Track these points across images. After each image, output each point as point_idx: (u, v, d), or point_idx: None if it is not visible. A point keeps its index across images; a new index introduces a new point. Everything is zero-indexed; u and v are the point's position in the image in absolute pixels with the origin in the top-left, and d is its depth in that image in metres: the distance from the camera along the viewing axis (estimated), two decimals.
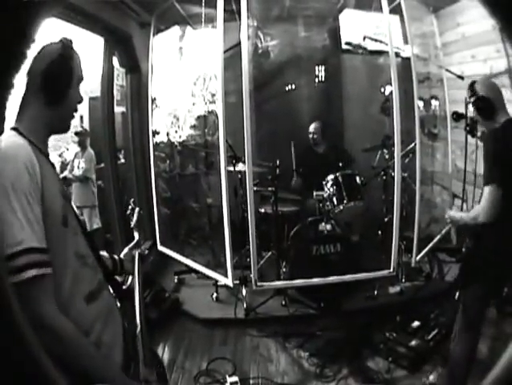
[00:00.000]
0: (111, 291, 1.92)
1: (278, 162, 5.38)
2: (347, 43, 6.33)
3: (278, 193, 5.28)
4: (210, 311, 5.15)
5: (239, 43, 4.78)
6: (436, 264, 5.76)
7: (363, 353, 4.31)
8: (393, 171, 5.09)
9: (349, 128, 6.85)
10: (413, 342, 4.15)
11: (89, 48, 5.88)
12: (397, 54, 5.30)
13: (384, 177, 5.51)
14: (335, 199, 5.21)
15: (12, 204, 1.42)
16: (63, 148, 7.82)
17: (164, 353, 4.55)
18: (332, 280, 4.84)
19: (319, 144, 6.13)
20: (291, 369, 4.20)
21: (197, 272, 5.61)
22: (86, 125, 7.58)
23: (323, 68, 6.84)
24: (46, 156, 1.70)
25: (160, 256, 6.06)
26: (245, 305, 5.03)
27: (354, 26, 6.39)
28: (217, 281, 5.24)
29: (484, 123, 3.29)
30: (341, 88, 7.00)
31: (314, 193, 5.36)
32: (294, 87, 6.69)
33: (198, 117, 5.79)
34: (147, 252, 5.70)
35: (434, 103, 6.22)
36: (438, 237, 5.86)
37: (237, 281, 5.06)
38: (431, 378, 3.77)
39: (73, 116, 1.79)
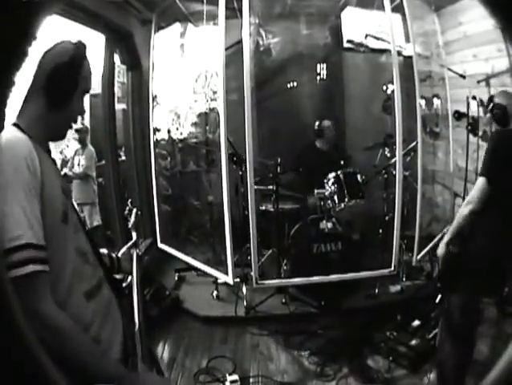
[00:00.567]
0: (111, 288, 1.89)
1: (279, 160, 5.37)
2: (349, 41, 6.31)
3: (279, 191, 5.27)
4: (210, 309, 5.14)
5: (241, 41, 4.77)
6: (437, 263, 5.74)
7: (364, 352, 4.29)
8: (395, 169, 5.08)
9: (350, 126, 6.84)
10: (414, 342, 4.13)
11: (90, 45, 5.89)
12: (399, 53, 5.29)
13: (386, 176, 5.50)
14: (336, 197, 5.18)
15: (11, 199, 1.40)
16: (64, 145, 7.79)
17: (164, 351, 4.54)
18: (333, 278, 4.84)
19: (328, 142, 6.10)
20: (291, 368, 4.19)
21: (197, 269, 5.60)
22: (86, 122, 7.57)
23: (324, 66, 6.82)
24: (47, 151, 1.68)
25: (161, 253, 6.05)
26: (245, 304, 5.02)
27: (356, 24, 6.37)
28: (217, 278, 5.24)
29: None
30: (343, 86, 7.00)
31: (316, 191, 5.35)
32: (295, 84, 6.68)
33: (199, 114, 5.79)
34: (140, 253, 5.68)
35: (436, 101, 6.21)
36: (439, 236, 5.85)
37: (238, 279, 5.05)
38: (431, 377, 3.76)
39: (70, 126, 1.76)
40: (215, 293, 5.32)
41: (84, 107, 1.75)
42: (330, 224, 5.13)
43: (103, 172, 6.55)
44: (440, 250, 3.31)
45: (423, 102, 5.54)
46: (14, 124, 1.59)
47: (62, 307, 1.49)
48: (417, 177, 5.10)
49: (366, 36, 6.02)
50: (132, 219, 2.63)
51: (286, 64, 6.63)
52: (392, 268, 4.98)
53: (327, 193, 5.27)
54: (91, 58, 1.73)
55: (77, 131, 6.87)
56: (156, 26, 6.00)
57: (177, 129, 5.97)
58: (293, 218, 5.53)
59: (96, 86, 6.13)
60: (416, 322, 4.40)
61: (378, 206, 5.74)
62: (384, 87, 5.54)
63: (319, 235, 5.12)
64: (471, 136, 5.46)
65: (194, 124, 5.89)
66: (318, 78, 6.87)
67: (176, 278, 5.82)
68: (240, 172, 5.28)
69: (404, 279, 5.42)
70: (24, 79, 1.63)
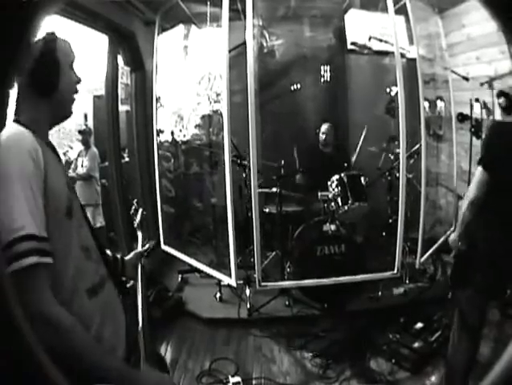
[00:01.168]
0: (115, 286, 1.89)
1: (282, 162, 5.38)
2: (353, 43, 6.31)
3: (282, 193, 5.29)
4: (213, 311, 5.14)
5: (244, 43, 4.78)
6: (441, 265, 5.74)
7: (366, 354, 4.28)
8: (398, 172, 5.08)
9: (354, 129, 6.81)
10: (416, 344, 4.13)
11: (93, 46, 5.90)
12: (402, 55, 5.29)
13: (389, 178, 5.50)
14: (339, 199, 5.18)
15: (16, 191, 1.40)
16: (67, 147, 7.81)
17: (167, 352, 4.54)
18: (336, 281, 4.83)
19: (328, 145, 6.10)
20: (294, 370, 4.19)
21: (200, 271, 5.60)
22: (90, 123, 7.58)
23: (328, 68, 6.81)
24: (50, 145, 1.69)
25: (164, 255, 6.06)
26: (248, 306, 5.01)
27: (359, 27, 6.36)
28: (220, 280, 5.23)
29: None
30: (346, 88, 6.98)
31: (319, 194, 5.34)
32: (299, 86, 6.66)
33: (203, 116, 5.80)
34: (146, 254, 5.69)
35: (439, 104, 6.21)
36: (443, 238, 5.85)
37: (241, 281, 5.05)
38: (433, 379, 3.76)
39: (73, 99, 1.78)
40: (218, 295, 5.31)
41: (78, 75, 1.78)
42: (333, 227, 5.11)
43: (106, 174, 6.54)
44: (452, 241, 3.31)
45: (426, 104, 5.54)
46: (15, 121, 1.60)
47: (67, 304, 1.48)
48: (421, 180, 5.09)
49: (369, 38, 6.01)
50: (138, 218, 2.64)
51: (290, 66, 6.63)
52: (396, 270, 4.98)
53: (330, 196, 5.27)
54: (65, 39, 1.75)
55: (80, 132, 6.87)
56: (159, 28, 6.01)
57: (181, 131, 5.98)
58: (296, 220, 5.53)
59: (100, 87, 6.15)
60: (419, 325, 4.40)
61: (381, 208, 5.75)
62: (388, 90, 5.52)
63: (323, 237, 5.09)
64: (474, 139, 5.46)
65: (198, 126, 5.90)
66: (321, 80, 6.85)
67: (180, 280, 5.82)
68: (243, 174, 5.30)
69: (407, 281, 5.40)
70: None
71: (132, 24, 5.83)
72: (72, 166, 6.95)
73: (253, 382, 4.02)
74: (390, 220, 5.52)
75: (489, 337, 3.92)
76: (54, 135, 1.78)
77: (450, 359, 3.41)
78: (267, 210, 5.65)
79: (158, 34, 6.01)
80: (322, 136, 6.05)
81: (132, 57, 6.15)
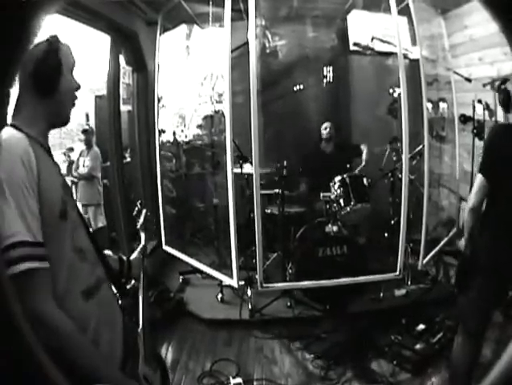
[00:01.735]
0: (114, 289, 1.90)
1: (285, 163, 5.36)
2: (355, 44, 6.28)
3: (284, 194, 5.28)
4: (215, 312, 5.12)
5: (247, 43, 4.76)
6: (443, 267, 5.72)
7: (368, 356, 4.27)
8: (401, 173, 5.07)
9: (356, 129, 6.82)
10: (418, 346, 4.12)
11: (95, 46, 5.90)
12: (405, 56, 5.27)
13: (392, 179, 5.49)
14: (342, 200, 5.17)
15: (6, 197, 1.41)
16: (69, 146, 7.81)
17: (168, 353, 4.52)
18: (338, 282, 4.82)
19: (330, 146, 6.09)
20: (295, 371, 4.16)
21: (202, 272, 5.59)
22: (91, 123, 7.59)
23: (331, 69, 6.79)
24: (46, 149, 1.69)
25: (165, 256, 6.06)
26: (250, 307, 4.99)
27: (362, 27, 6.35)
28: (222, 281, 5.21)
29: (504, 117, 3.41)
30: (349, 89, 6.99)
31: (321, 194, 5.34)
32: (301, 87, 6.65)
33: (205, 117, 5.81)
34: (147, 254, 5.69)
35: (442, 105, 6.20)
36: (445, 239, 5.85)
37: (243, 282, 5.03)
38: (434, 381, 3.75)
39: (73, 105, 1.78)
40: (220, 296, 5.29)
41: (77, 82, 1.77)
42: (335, 228, 5.11)
43: (108, 174, 6.54)
44: (461, 246, 3.33)
45: (430, 105, 5.52)
46: (11, 125, 1.60)
47: (60, 306, 1.49)
48: (423, 181, 5.08)
49: (372, 39, 6.00)
50: (141, 220, 2.63)
51: (293, 67, 6.62)
52: (398, 272, 4.97)
53: (332, 197, 5.26)
54: (67, 44, 1.75)
55: (83, 132, 6.88)
56: (161, 28, 6.00)
57: (182, 131, 5.98)
58: (298, 221, 5.51)
59: (101, 87, 6.15)
60: (421, 326, 4.38)
61: (384, 209, 5.74)
62: (391, 90, 5.51)
63: (325, 238, 5.10)
64: (477, 140, 5.44)
65: (199, 127, 5.91)
66: (324, 81, 6.83)
67: (181, 281, 5.81)
68: (245, 175, 5.28)
69: (409, 283, 5.38)
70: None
71: (134, 24, 5.82)
72: (74, 166, 6.96)
73: (255, 383, 4.00)
74: (392, 222, 5.50)
75: (491, 338, 3.90)
76: (55, 135, 1.77)
77: (453, 362, 3.40)
78: (269, 211, 5.64)
79: (160, 34, 6.00)
80: (324, 137, 6.05)
81: (134, 57, 6.14)
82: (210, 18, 5.31)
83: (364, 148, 5.88)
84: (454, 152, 6.18)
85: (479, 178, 3.09)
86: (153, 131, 6.10)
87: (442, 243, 5.77)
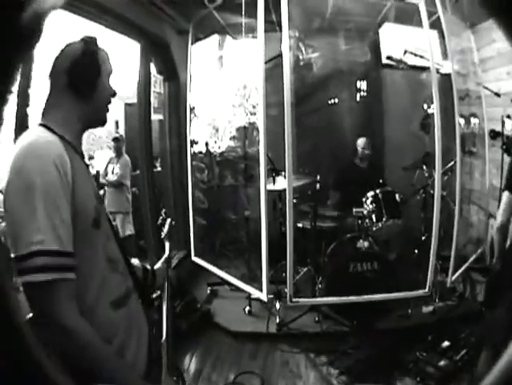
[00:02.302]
0: (140, 298, 1.85)
1: (318, 177, 5.33)
2: (388, 57, 6.24)
3: (317, 209, 5.24)
4: (242, 324, 5.08)
5: (280, 55, 4.74)
6: (469, 284, 5.66)
7: (392, 372, 4.21)
8: (432, 189, 5.02)
9: (389, 145, 6.78)
10: (442, 362, 4.06)
11: (125, 53, 5.91)
12: (437, 70, 5.22)
13: (424, 195, 5.44)
14: (374, 216, 5.14)
15: (35, 203, 1.37)
16: (92, 152, 7.86)
17: (191, 363, 4.49)
18: (367, 298, 4.77)
19: (364, 160, 6.05)
20: None
21: (230, 284, 5.56)
22: (121, 131, 7.62)
23: (364, 83, 6.78)
24: (80, 153, 1.65)
25: (194, 266, 6.03)
26: (277, 320, 4.94)
27: (394, 40, 6.31)
28: (250, 294, 5.18)
29: None
30: (382, 104, 6.94)
31: (354, 210, 5.29)
32: (336, 101, 6.62)
33: (238, 128, 5.78)
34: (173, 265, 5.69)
35: (473, 120, 6.13)
36: (474, 256, 5.78)
37: (271, 296, 4.98)
38: None
39: (107, 109, 1.75)
40: (247, 308, 5.26)
41: (114, 88, 1.75)
42: (367, 244, 5.06)
43: (137, 182, 6.54)
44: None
45: (462, 121, 5.47)
46: (42, 125, 1.56)
47: (88, 316, 1.45)
48: (454, 197, 5.03)
49: (405, 52, 5.96)
50: (166, 229, 2.58)
51: (327, 80, 6.57)
52: (427, 289, 4.92)
53: (365, 212, 5.22)
54: (103, 47, 1.72)
55: (114, 139, 6.90)
56: (193, 37, 5.99)
57: (215, 142, 5.97)
58: (330, 236, 5.46)
59: (132, 95, 6.15)
60: (446, 343, 4.32)
61: (414, 225, 5.68)
62: (425, 106, 5.46)
63: (356, 254, 5.06)
64: (506, 156, 5.39)
65: (233, 138, 5.89)
66: (358, 95, 6.82)
67: (209, 292, 5.78)
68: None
69: (436, 300, 5.32)
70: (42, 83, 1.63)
71: (164, 32, 5.83)
72: (102, 172, 6.97)
73: None
74: (423, 238, 5.44)
75: None
76: (83, 140, 1.73)
77: (479, 378, 3.35)
78: (301, 225, 5.57)
79: (192, 44, 5.99)
80: (358, 151, 6.00)
81: (165, 65, 6.15)
82: (243, 29, 5.28)
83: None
84: (484, 168, 6.11)
85: (505, 195, 3.09)
86: (185, 141, 6.08)
87: (471, 260, 5.71)
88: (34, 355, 0.77)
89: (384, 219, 5.08)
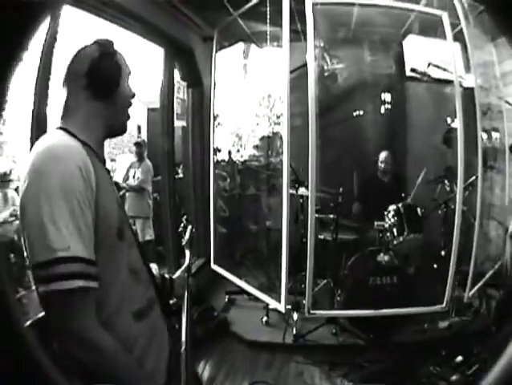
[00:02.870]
0: (161, 308, 1.80)
1: (341, 189, 5.32)
2: (412, 70, 6.22)
3: (339, 221, 5.23)
4: (258, 334, 5.07)
5: (305, 64, 4.73)
6: (485, 299, 5.63)
7: None
8: (453, 204, 4.99)
9: (412, 158, 6.74)
10: (454, 377, 4.05)
11: (149, 58, 5.93)
12: (460, 84, 5.20)
13: (445, 210, 5.41)
14: (395, 230, 5.11)
15: (59, 209, 1.32)
16: (119, 156, 7.90)
17: (205, 370, 4.49)
18: (385, 313, 4.75)
19: (387, 174, 6.03)
20: None
21: (248, 293, 5.55)
22: (143, 136, 7.64)
23: (389, 95, 6.77)
24: (102, 161, 1.61)
25: (212, 274, 6.03)
26: (294, 331, 4.92)
27: (418, 53, 6.30)
28: (268, 304, 5.17)
29: None
30: (405, 117, 6.88)
31: (376, 223, 5.29)
32: (360, 113, 6.61)
33: (262, 138, 5.79)
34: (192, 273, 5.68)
35: (495, 135, 6.11)
36: (491, 272, 5.74)
37: (289, 307, 4.96)
38: None
39: (128, 114, 1.72)
40: (265, 318, 5.25)
41: (133, 89, 1.72)
42: (387, 257, 5.03)
43: (158, 188, 6.56)
44: None
45: (485, 135, 5.45)
46: (62, 128, 1.53)
47: (108, 327, 1.43)
48: (475, 213, 4.99)
49: (428, 65, 5.94)
50: (187, 236, 2.55)
51: (352, 91, 6.55)
52: (444, 304, 4.89)
53: (386, 226, 5.20)
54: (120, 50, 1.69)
55: (136, 144, 6.93)
56: (217, 44, 5.98)
57: (238, 151, 5.99)
58: (351, 249, 5.45)
59: (155, 100, 6.16)
60: (459, 358, 4.30)
61: (434, 240, 5.64)
62: (449, 119, 5.45)
63: (376, 268, 5.03)
64: None
65: (256, 147, 5.90)
66: (382, 107, 6.80)
67: (227, 300, 5.79)
68: (300, 199, 5.26)
69: (453, 315, 5.29)
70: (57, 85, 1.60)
71: (189, 39, 5.86)
72: (123, 176, 6.99)
73: None
74: (442, 253, 5.41)
75: None
76: (106, 139, 1.70)
77: None
78: (322, 237, 5.56)
79: (216, 51, 5.98)
80: (381, 165, 5.97)
81: (189, 72, 6.16)
82: (268, 38, 5.28)
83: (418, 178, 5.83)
84: (504, 183, 6.08)
85: None
86: (208, 148, 6.09)
87: (488, 275, 5.67)
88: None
89: (405, 233, 5.06)
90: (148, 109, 7.99)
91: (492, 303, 5.45)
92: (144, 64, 6.34)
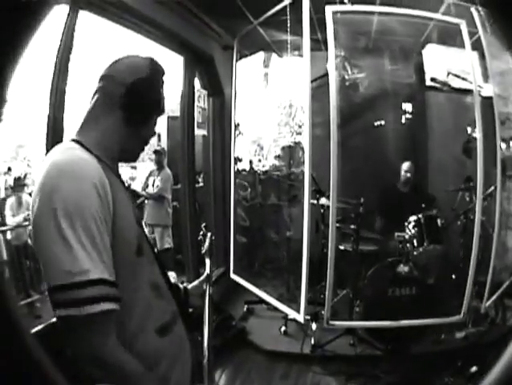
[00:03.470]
0: (183, 322, 1.75)
1: (362, 200, 5.31)
2: (433, 79, 6.22)
3: (359, 231, 5.22)
4: (276, 344, 5.07)
5: (326, 74, 4.73)
6: (501, 309, 5.60)
7: None
8: (473, 214, 4.98)
9: (432, 168, 6.74)
10: None
11: (170, 66, 5.95)
12: (478, 93, 5.19)
13: (464, 220, 5.39)
14: (415, 241, 5.11)
15: (76, 229, 1.26)
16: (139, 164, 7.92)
17: (221, 379, 4.49)
18: (404, 324, 4.73)
19: (408, 184, 6.01)
20: None
21: (267, 303, 5.54)
22: (163, 144, 7.65)
23: (409, 105, 6.75)
24: (118, 176, 1.55)
25: (231, 283, 6.04)
26: (313, 342, 4.91)
27: (438, 62, 6.29)
28: (286, 314, 5.16)
29: None
30: (426, 127, 6.87)
31: (396, 234, 5.28)
32: (383, 123, 6.59)
33: (283, 148, 5.77)
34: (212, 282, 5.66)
35: None
36: (508, 282, 5.71)
37: (308, 317, 4.97)
38: None
39: (143, 148, 1.66)
40: (283, 328, 5.25)
41: (155, 128, 1.66)
42: (407, 268, 5.02)
43: (178, 196, 6.56)
44: None
45: (504, 145, 5.42)
46: (76, 141, 1.46)
47: (131, 345, 1.40)
48: (494, 222, 4.99)
49: (448, 74, 5.93)
50: (206, 244, 2.49)
51: (373, 101, 6.53)
52: (462, 315, 4.89)
53: (406, 236, 5.20)
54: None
55: (155, 152, 6.94)
56: (238, 53, 6.00)
57: (260, 161, 5.98)
58: (371, 260, 5.43)
59: (175, 108, 6.17)
60: (474, 368, 4.28)
61: (453, 251, 5.63)
62: (469, 129, 5.42)
63: (396, 278, 5.02)
64: None
65: (277, 157, 5.88)
66: (403, 117, 6.79)
67: (245, 310, 5.79)
68: (321, 210, 5.26)
69: (469, 325, 5.27)
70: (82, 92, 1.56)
71: (209, 47, 5.88)
72: (142, 185, 7.01)
73: None
74: (461, 264, 5.40)
75: None
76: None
77: None
78: (342, 247, 5.55)
79: (237, 60, 5.99)
80: (402, 175, 5.95)
81: (210, 81, 6.18)
82: (289, 47, 5.29)
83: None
84: None
85: None
86: (229, 158, 6.11)
87: (505, 285, 5.64)
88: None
89: (425, 244, 5.06)
90: (169, 117, 7.99)
91: (508, 313, 5.45)
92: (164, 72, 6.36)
